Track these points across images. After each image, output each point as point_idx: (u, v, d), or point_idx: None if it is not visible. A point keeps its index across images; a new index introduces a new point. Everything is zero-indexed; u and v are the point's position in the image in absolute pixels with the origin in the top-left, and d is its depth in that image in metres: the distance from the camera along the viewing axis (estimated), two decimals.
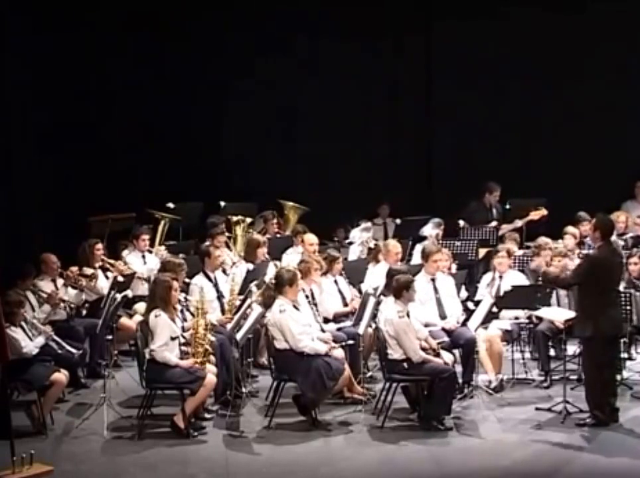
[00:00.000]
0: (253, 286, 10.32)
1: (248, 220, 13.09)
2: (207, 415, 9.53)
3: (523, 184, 14.48)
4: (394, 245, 11.53)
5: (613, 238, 12.18)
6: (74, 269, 10.98)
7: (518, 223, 13.79)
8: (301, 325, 9.37)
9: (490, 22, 15.54)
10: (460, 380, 9.88)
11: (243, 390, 9.88)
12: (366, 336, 10.08)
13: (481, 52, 15.63)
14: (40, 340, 9.40)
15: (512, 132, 15.54)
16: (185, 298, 9.99)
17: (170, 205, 13.54)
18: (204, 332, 9.27)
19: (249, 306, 9.76)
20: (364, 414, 9.50)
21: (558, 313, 10.02)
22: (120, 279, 10.74)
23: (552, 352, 10.72)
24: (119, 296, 9.80)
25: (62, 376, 9.33)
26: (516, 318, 10.74)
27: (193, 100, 15.53)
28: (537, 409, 9.72)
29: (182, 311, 9.80)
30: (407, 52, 16.22)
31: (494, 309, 10.33)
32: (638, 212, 14.06)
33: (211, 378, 9.15)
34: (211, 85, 15.77)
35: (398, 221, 14.13)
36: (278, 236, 13.19)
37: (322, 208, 14.30)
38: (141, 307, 10.70)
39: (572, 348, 10.35)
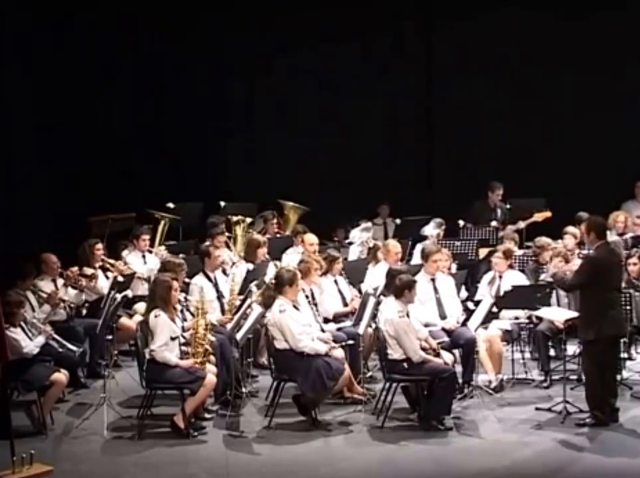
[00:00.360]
0: (253, 286, 10.31)
1: (248, 220, 13.09)
2: (207, 415, 9.53)
3: (523, 184, 14.47)
4: (394, 245, 11.54)
5: (614, 237, 12.24)
6: (74, 269, 10.98)
7: (521, 224, 13.80)
8: (301, 325, 9.37)
9: (490, 22, 15.55)
10: (460, 380, 9.88)
11: (243, 390, 9.88)
12: (366, 336, 10.08)
13: (481, 52, 15.63)
14: (41, 340, 9.40)
15: (512, 132, 15.53)
16: (185, 298, 9.99)
17: (170, 205, 13.53)
18: (204, 332, 9.27)
19: (249, 306, 9.76)
20: (364, 414, 9.50)
21: (558, 313, 10.01)
22: (120, 279, 10.74)
23: (552, 352, 10.71)
24: (119, 296, 9.80)
25: (62, 376, 9.33)
26: (516, 318, 10.74)
27: (193, 100, 15.52)
28: (537, 409, 9.72)
29: (182, 311, 9.80)
30: (407, 52, 16.22)
31: (494, 309, 10.33)
32: (638, 212, 14.06)
33: (211, 378, 9.15)
34: (211, 86, 15.77)
35: (398, 221, 14.13)
36: (278, 236, 13.19)
37: (322, 208, 14.30)
38: (141, 307, 10.70)
39: (572, 348, 10.34)
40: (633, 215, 13.77)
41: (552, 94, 15.57)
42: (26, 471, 8.03)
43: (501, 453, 8.72)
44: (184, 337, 9.33)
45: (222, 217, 13.02)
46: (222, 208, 13.72)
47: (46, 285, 10.70)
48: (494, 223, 13.69)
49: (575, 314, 9.58)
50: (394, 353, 9.31)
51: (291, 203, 14.00)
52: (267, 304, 9.82)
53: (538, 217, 13.75)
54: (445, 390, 9.22)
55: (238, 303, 10.27)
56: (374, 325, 9.80)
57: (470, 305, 10.80)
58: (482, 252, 12.73)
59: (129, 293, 10.12)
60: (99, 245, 11.53)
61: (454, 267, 11.57)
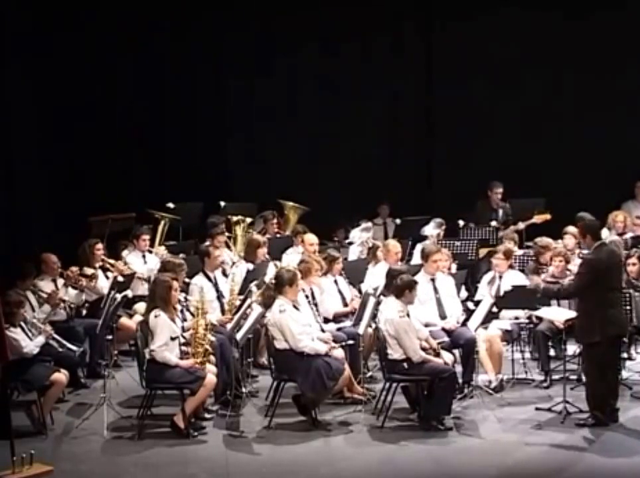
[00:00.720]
0: (253, 286, 10.32)
1: (248, 220, 13.09)
2: (207, 415, 9.53)
3: (523, 184, 14.46)
4: (394, 245, 11.54)
5: (614, 237, 12.24)
6: (75, 269, 10.98)
7: (520, 225, 13.80)
8: (301, 325, 9.37)
9: (490, 22, 15.55)
10: (460, 380, 9.88)
11: (243, 390, 9.89)
12: (366, 336, 10.07)
13: (481, 52, 15.63)
14: (41, 340, 9.40)
15: (512, 132, 15.54)
16: (185, 298, 9.99)
17: (170, 205, 13.53)
18: (204, 332, 9.27)
19: (249, 306, 9.76)
20: (364, 414, 9.50)
21: (558, 312, 10.01)
22: (120, 279, 10.74)
23: (552, 352, 10.71)
24: (119, 296, 9.80)
25: (62, 376, 9.33)
26: (516, 318, 10.74)
27: (193, 100, 15.53)
28: (537, 409, 9.72)
29: (182, 311, 9.80)
30: (407, 52, 16.22)
31: (494, 309, 10.33)
32: (638, 212, 14.06)
33: (211, 378, 9.15)
34: (211, 86, 15.77)
35: (398, 221, 14.12)
36: (278, 236, 13.19)
37: (322, 208, 14.30)
38: (141, 307, 10.71)
39: (572, 348, 10.34)
40: (633, 215, 13.78)
41: (552, 94, 15.57)
42: (26, 471, 8.04)
43: (501, 453, 8.73)
44: (184, 337, 9.33)
45: (222, 217, 13.02)
46: (222, 208, 13.72)
47: (46, 285, 10.70)
48: (494, 223, 13.69)
49: (575, 314, 9.57)
50: (394, 353, 9.31)
51: (291, 203, 14.00)
52: (267, 304, 9.82)
53: (537, 219, 13.75)
54: (445, 390, 9.22)
55: (238, 303, 10.27)
56: (374, 325, 9.80)
57: (470, 305, 10.81)
58: (482, 252, 12.74)
59: (129, 293, 10.12)
60: (99, 245, 11.53)
61: (454, 267, 11.57)
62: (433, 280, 10.62)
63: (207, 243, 11.73)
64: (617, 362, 9.62)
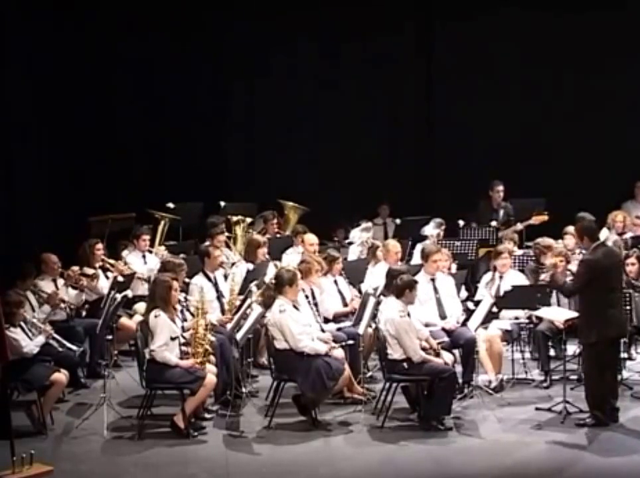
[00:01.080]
0: (253, 286, 10.31)
1: (248, 220, 13.10)
2: (207, 415, 9.53)
3: (523, 184, 14.46)
4: (394, 245, 11.55)
5: (614, 237, 12.24)
6: (75, 268, 10.98)
7: (519, 226, 13.80)
8: (301, 325, 9.37)
9: (490, 22, 15.55)
10: (460, 380, 9.88)
11: (243, 390, 9.89)
12: (366, 336, 10.08)
13: (481, 52, 15.64)
14: (41, 339, 9.40)
15: (512, 132, 15.54)
16: (185, 298, 9.99)
17: (170, 205, 13.53)
18: (204, 332, 9.27)
19: (249, 306, 9.76)
20: (364, 414, 9.50)
21: (558, 313, 10.01)
22: (120, 279, 10.74)
23: (552, 352, 10.71)
24: (119, 296, 9.80)
25: (62, 376, 9.33)
26: (516, 318, 10.74)
27: (193, 100, 15.53)
28: (537, 409, 9.72)
29: (182, 311, 9.80)
30: (407, 52, 16.22)
31: (494, 309, 10.33)
32: (638, 212, 14.07)
33: (211, 378, 9.15)
34: (211, 86, 15.77)
35: (398, 221, 14.12)
36: (278, 236, 13.18)
37: (322, 208, 14.30)
38: (141, 307, 10.71)
39: (572, 348, 10.34)
40: (633, 215, 13.78)
41: (552, 94, 15.57)
42: (26, 471, 8.03)
43: (501, 453, 8.73)
44: (184, 337, 9.33)
45: (222, 217, 13.01)
46: (222, 208, 13.72)
47: (46, 285, 10.70)
48: (494, 223, 13.69)
49: (575, 314, 9.58)
50: (394, 353, 9.31)
51: (291, 203, 14.00)
52: (267, 304, 9.82)
53: (535, 220, 13.74)
54: (445, 390, 9.22)
55: (238, 303, 10.27)
56: (374, 325, 9.80)
57: (470, 305, 10.80)
58: (482, 252, 12.74)
59: (129, 293, 10.11)
60: (99, 245, 11.53)
61: (454, 267, 11.57)
62: (433, 280, 10.62)
63: (207, 243, 11.72)
64: (616, 362, 9.62)
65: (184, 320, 9.72)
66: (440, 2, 16.13)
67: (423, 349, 9.35)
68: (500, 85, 15.59)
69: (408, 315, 9.37)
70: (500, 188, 14.20)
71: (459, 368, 9.98)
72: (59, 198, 14.08)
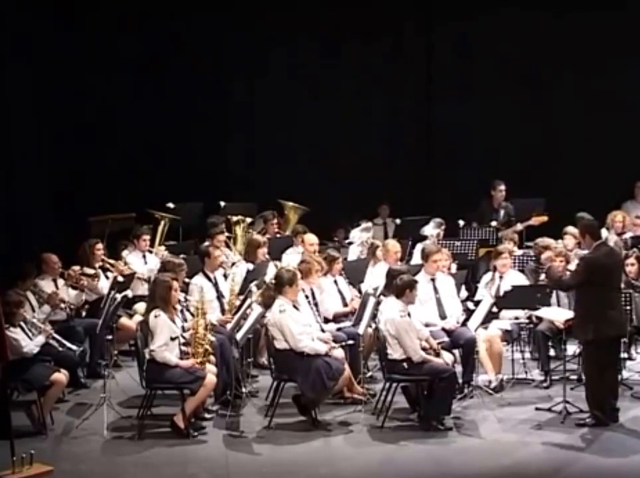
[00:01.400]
0: (253, 286, 10.31)
1: (248, 220, 13.10)
2: (207, 415, 9.53)
3: (523, 184, 14.46)
4: (393, 245, 11.55)
5: (614, 237, 12.24)
6: (76, 268, 10.99)
7: (519, 226, 13.79)
8: (301, 325, 9.37)
9: (490, 22, 15.55)
10: (460, 380, 9.88)
11: (243, 390, 9.89)
12: (366, 336, 10.07)
13: (481, 52, 15.63)
14: (41, 339, 9.39)
15: (512, 132, 15.53)
16: (185, 298, 9.99)
17: (170, 205, 13.53)
18: (204, 332, 9.27)
19: (249, 306, 9.76)
20: (364, 414, 9.50)
21: (558, 313, 10.02)
22: (120, 279, 10.74)
23: (552, 352, 10.71)
24: (119, 296, 9.80)
25: (62, 376, 9.33)
26: (516, 318, 10.74)
27: (193, 100, 15.52)
28: (537, 409, 9.72)
29: (182, 311, 9.80)
30: (407, 52, 16.22)
31: (494, 309, 10.33)
32: (638, 212, 14.06)
33: (211, 378, 9.15)
34: (211, 85, 15.76)
35: (398, 221, 14.12)
36: (278, 236, 13.18)
37: (322, 208, 14.30)
38: (141, 307, 10.71)
39: (572, 348, 10.35)
40: (633, 215, 13.77)
41: (552, 94, 15.57)
42: (26, 471, 8.02)
43: (501, 453, 8.73)
44: (184, 337, 9.33)
45: (222, 217, 13.01)
46: (222, 208, 13.71)
47: (46, 285, 10.70)
48: (494, 223, 13.69)
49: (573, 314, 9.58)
50: (394, 353, 9.31)
51: (291, 203, 14.00)
52: (267, 304, 9.82)
53: (535, 221, 13.73)
54: (445, 390, 9.22)
55: (238, 303, 10.27)
56: (374, 325, 9.80)
57: (470, 305, 10.80)
58: (482, 252, 12.74)
59: (129, 293, 10.12)
60: (99, 245, 11.53)
61: (454, 267, 11.57)
62: (433, 280, 10.62)
63: (207, 243, 11.72)
64: (616, 361, 9.62)
65: (184, 320, 9.72)
66: (440, 2, 16.13)
67: (424, 349, 9.35)
68: (500, 85, 15.58)
69: (408, 314, 9.38)
70: (503, 187, 14.19)
71: (459, 368, 9.98)
72: (59, 198, 14.08)
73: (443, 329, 10.23)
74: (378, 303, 9.89)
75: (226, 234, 12.44)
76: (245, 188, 15.04)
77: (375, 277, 11.12)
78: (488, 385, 10.26)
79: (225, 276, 11.04)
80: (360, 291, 11.11)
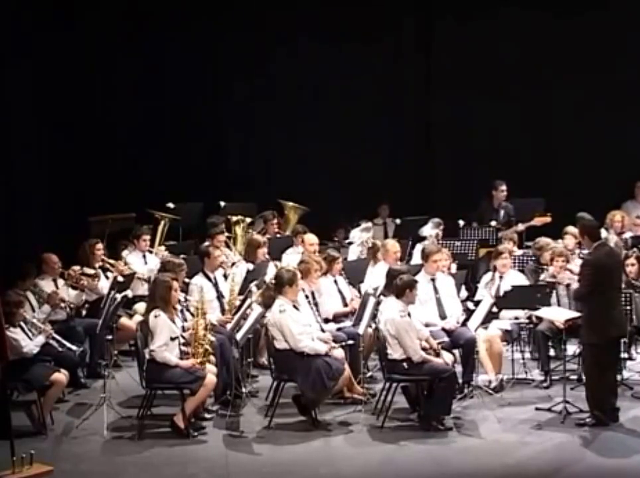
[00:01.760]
0: (253, 286, 10.32)
1: (248, 220, 13.10)
2: (207, 415, 9.53)
3: (523, 184, 14.45)
4: (393, 245, 11.55)
5: (614, 237, 12.24)
6: (76, 268, 10.99)
7: (520, 227, 13.79)
8: (301, 325, 9.37)
9: (490, 22, 15.55)
10: (460, 380, 9.88)
11: (243, 390, 9.89)
12: (366, 336, 10.07)
13: (481, 52, 15.63)
14: (41, 339, 9.40)
15: (512, 132, 15.54)
16: (185, 298, 9.99)
17: (170, 205, 13.53)
18: (204, 332, 9.27)
19: (249, 306, 9.76)
20: (364, 414, 9.50)
21: (558, 313, 10.01)
22: (120, 279, 10.74)
23: (552, 352, 10.71)
24: (119, 296, 9.80)
25: (62, 376, 9.33)
26: (516, 318, 10.74)
27: (193, 100, 15.52)
28: (537, 409, 9.72)
29: (182, 311, 9.80)
30: (407, 52, 16.22)
31: (494, 309, 10.33)
32: (638, 212, 14.06)
33: (211, 378, 9.15)
34: (211, 86, 15.77)
35: (398, 221, 14.12)
36: (278, 236, 13.18)
37: (322, 208, 14.30)
38: (141, 307, 10.71)
39: (572, 348, 10.35)
40: (633, 215, 13.77)
41: (552, 94, 15.57)
42: (26, 471, 8.02)
43: (501, 453, 8.73)
44: (184, 337, 9.33)
45: (222, 217, 13.02)
46: (222, 208, 13.72)
47: (46, 285, 10.70)
48: (494, 223, 13.69)
49: (575, 314, 9.58)
50: (394, 353, 9.31)
51: (291, 203, 14.00)
52: (267, 304, 9.82)
53: (537, 222, 13.72)
54: (445, 390, 9.22)
55: (238, 303, 10.27)
56: (374, 325, 9.80)
57: (470, 305, 10.80)
58: (482, 252, 12.74)
59: (129, 293, 10.12)
60: (99, 245, 11.53)
61: (454, 267, 11.57)
62: (433, 280, 10.62)
63: (207, 243, 11.72)
64: (616, 361, 9.62)
65: (184, 320, 9.72)
66: (440, 2, 16.14)
67: (424, 349, 9.35)
68: (500, 85, 15.56)
69: (409, 314, 9.38)
70: (504, 187, 14.18)
71: (459, 368, 9.98)
72: (59, 198, 14.07)
73: (443, 329, 10.23)
74: (378, 303, 9.88)
75: (226, 234, 12.44)
76: (245, 188, 15.04)
77: (375, 277, 11.11)
78: (488, 385, 10.26)
79: (225, 276, 11.04)
80: (360, 291, 11.10)
